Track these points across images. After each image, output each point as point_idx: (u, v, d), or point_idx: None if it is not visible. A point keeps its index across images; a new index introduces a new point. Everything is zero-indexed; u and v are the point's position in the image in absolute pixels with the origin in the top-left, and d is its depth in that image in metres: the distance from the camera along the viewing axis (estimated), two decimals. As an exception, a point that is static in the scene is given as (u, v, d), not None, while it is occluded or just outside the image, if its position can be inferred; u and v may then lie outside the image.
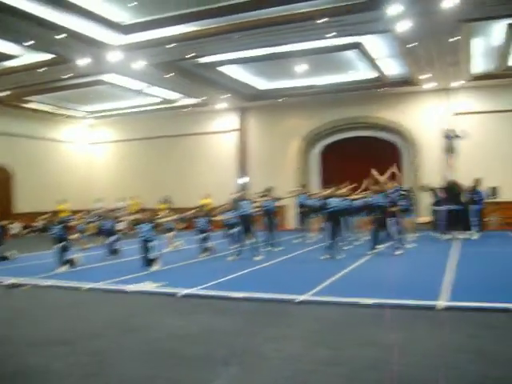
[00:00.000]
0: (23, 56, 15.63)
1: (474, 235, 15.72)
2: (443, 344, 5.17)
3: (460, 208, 15.75)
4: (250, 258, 12.24)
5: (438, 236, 15.78)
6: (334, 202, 12.09)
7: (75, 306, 7.70)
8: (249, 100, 22.19)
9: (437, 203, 16.26)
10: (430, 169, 20.16)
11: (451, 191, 16.04)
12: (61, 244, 11.45)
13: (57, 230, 11.63)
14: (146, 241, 11.29)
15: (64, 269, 11.27)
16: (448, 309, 6.56)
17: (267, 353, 5.06)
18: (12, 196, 23.52)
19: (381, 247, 12.83)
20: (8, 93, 19.94)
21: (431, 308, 6.61)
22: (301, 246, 15.01)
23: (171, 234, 15.36)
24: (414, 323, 5.98)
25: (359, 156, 21.86)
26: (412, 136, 20.90)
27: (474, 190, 16.22)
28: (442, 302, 6.82)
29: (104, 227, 14.22)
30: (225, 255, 13.13)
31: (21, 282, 9.64)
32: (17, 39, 13.66)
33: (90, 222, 17.78)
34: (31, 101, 21.95)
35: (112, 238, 13.82)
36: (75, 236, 15.57)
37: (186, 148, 25.03)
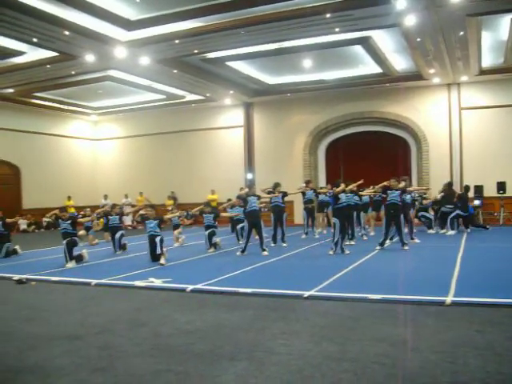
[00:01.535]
0: (30, 53, 15.67)
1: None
2: (452, 340, 5.15)
3: (453, 209, 16.28)
4: (258, 253, 12.24)
5: (432, 232, 16.48)
6: (344, 198, 12.10)
7: (83, 301, 7.73)
8: (255, 95, 22.19)
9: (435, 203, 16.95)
10: (437, 164, 20.11)
11: (448, 192, 16.65)
12: (69, 240, 11.48)
13: (65, 226, 11.67)
14: (153, 236, 11.34)
15: (72, 264, 11.31)
16: (456, 304, 6.53)
17: (274, 348, 5.06)
18: (21, 192, 23.63)
19: (388, 243, 12.86)
20: (15, 89, 20.02)
21: (439, 303, 6.59)
22: (308, 241, 15.00)
23: (177, 230, 15.38)
24: (422, 319, 5.96)
25: (367, 151, 21.84)
26: (420, 131, 20.80)
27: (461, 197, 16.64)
28: (450, 298, 6.80)
29: (110, 223, 14.25)
30: (232, 251, 13.14)
31: (28, 278, 9.69)
32: (23, 36, 13.68)
33: (98, 218, 17.89)
34: (38, 97, 22.02)
35: (119, 234, 13.86)
36: (82, 232, 15.65)
37: (193, 143, 25.02)
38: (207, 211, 13.62)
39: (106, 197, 24.75)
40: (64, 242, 11.46)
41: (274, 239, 14.17)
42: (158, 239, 11.17)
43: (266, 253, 12.16)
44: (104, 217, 15.48)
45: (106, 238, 16.14)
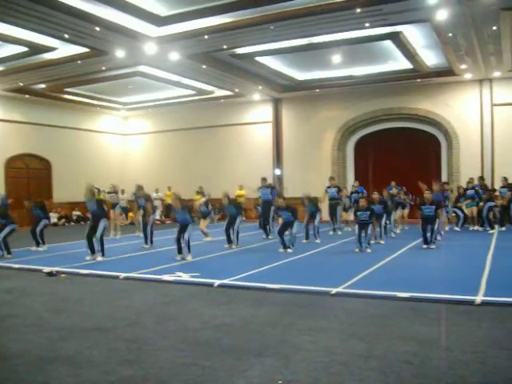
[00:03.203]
0: (61, 48, 15.87)
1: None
2: (481, 340, 5.08)
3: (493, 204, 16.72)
4: (286, 249, 12.22)
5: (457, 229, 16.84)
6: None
7: (112, 294, 7.83)
8: (284, 91, 22.10)
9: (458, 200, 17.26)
10: (468, 161, 19.80)
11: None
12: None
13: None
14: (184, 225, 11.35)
15: (101, 258, 11.45)
16: (486, 303, 6.44)
17: (301, 344, 5.06)
18: (52, 185, 23.99)
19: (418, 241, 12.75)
20: (46, 85, 20.32)
21: (469, 302, 6.50)
22: (335, 238, 14.93)
23: (205, 222, 15.33)
24: (452, 318, 5.89)
25: (396, 148, 21.60)
26: (451, 127, 20.47)
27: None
28: (480, 297, 6.71)
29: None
30: (259, 247, 13.15)
31: (59, 270, 9.85)
32: (55, 32, 13.85)
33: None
34: (69, 92, 22.30)
35: (149, 226, 13.92)
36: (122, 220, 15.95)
37: (222, 139, 25.06)
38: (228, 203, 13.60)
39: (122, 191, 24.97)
40: (98, 235, 11.47)
41: (307, 235, 14.16)
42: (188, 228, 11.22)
43: (289, 250, 12.12)
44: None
45: (137, 231, 16.32)
